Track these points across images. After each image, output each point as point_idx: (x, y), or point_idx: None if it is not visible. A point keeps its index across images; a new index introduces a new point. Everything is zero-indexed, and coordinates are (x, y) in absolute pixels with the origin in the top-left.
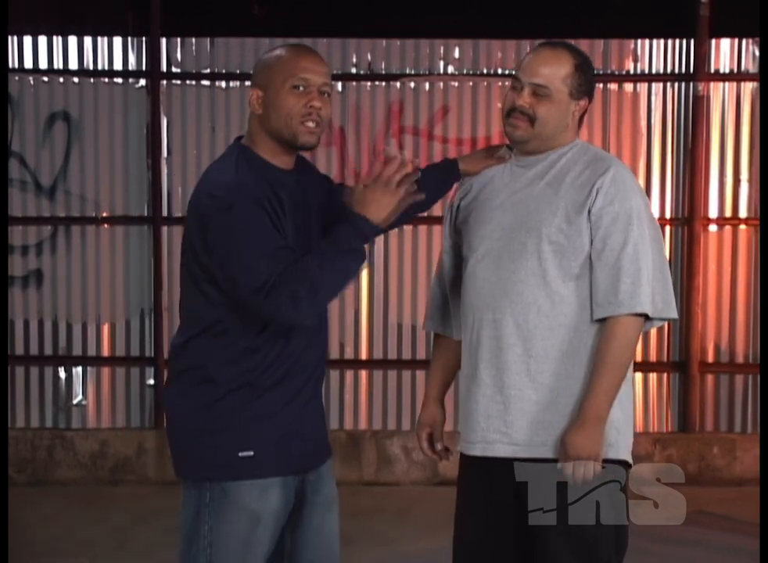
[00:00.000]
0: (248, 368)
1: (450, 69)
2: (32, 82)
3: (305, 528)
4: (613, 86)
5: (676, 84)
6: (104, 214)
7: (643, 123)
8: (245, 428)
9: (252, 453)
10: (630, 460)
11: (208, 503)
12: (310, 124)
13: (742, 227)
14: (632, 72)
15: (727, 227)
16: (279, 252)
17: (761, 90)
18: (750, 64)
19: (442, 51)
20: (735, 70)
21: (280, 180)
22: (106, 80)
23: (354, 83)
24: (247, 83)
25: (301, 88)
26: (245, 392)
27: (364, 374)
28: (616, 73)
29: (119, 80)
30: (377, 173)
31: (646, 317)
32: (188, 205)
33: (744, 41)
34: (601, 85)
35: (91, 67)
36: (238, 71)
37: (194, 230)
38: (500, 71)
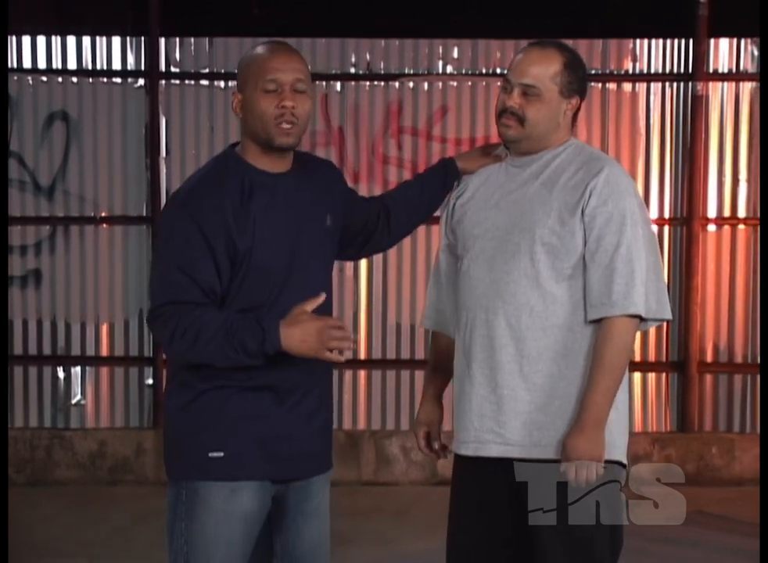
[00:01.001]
0: (220, 371)
1: (449, 69)
2: (31, 82)
3: (291, 534)
4: (612, 86)
5: (675, 84)
6: (103, 214)
7: (642, 123)
8: (219, 430)
9: (222, 454)
10: (624, 461)
11: (184, 502)
12: (285, 125)
13: (741, 226)
14: (631, 72)
15: (726, 227)
16: (188, 284)
17: (761, 90)
18: (749, 64)
19: (441, 51)
20: (734, 70)
21: (263, 185)
22: (105, 80)
23: (353, 83)
24: None
25: (272, 89)
26: (220, 395)
27: (362, 373)
28: (615, 72)
29: (117, 79)
30: (328, 323)
31: (640, 318)
32: None
33: (742, 41)
34: (600, 85)
35: (89, 67)
36: (236, 71)
37: None
38: (498, 71)
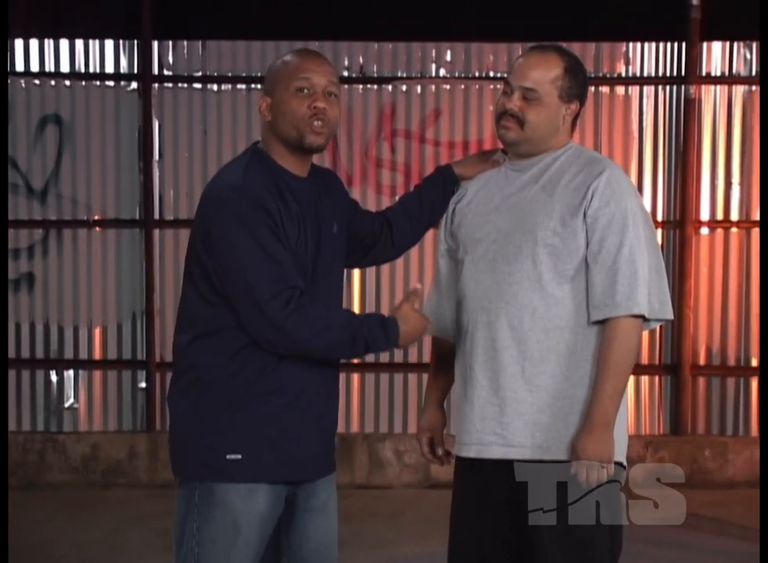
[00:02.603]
0: (240, 372)
1: (442, 72)
2: (23, 85)
3: (300, 532)
4: (605, 89)
5: (668, 87)
6: (96, 217)
7: (634, 126)
8: (235, 432)
9: (240, 456)
10: (624, 462)
11: (197, 503)
12: (316, 123)
13: (733, 230)
14: (623, 75)
15: (719, 230)
16: (285, 264)
17: (761, 91)
18: (741, 67)
19: (433, 54)
20: (726, 73)
21: (291, 185)
22: (98, 83)
23: (346, 86)
24: (239, 86)
25: (305, 91)
26: (237, 397)
27: (355, 377)
28: (608, 76)
29: (110, 83)
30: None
31: (643, 319)
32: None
33: (735, 45)
34: (593, 88)
35: (82, 70)
36: (230, 74)
37: (197, 229)
38: (491, 74)
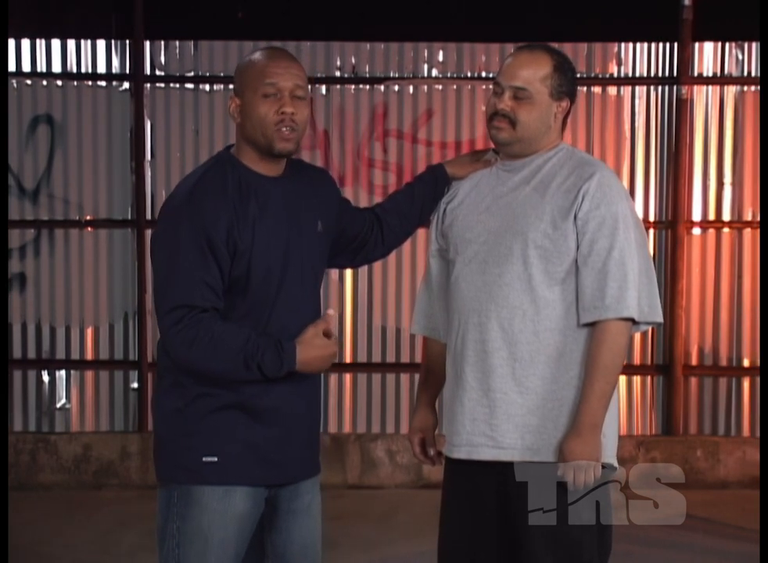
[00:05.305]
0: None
1: (434, 72)
2: (15, 85)
3: (283, 534)
4: (597, 89)
5: (660, 88)
6: (88, 217)
7: (627, 126)
8: (211, 434)
9: (216, 458)
10: (615, 464)
11: (176, 503)
12: (284, 130)
13: (725, 230)
14: (616, 75)
15: (711, 231)
16: (194, 283)
17: (761, 91)
18: (733, 68)
19: (426, 54)
20: (718, 74)
21: (258, 187)
22: (90, 83)
23: (338, 86)
24: (230, 86)
25: (272, 94)
26: (213, 400)
27: (348, 377)
28: (600, 76)
29: (102, 83)
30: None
31: (633, 321)
32: None
33: (727, 45)
34: (585, 88)
35: (74, 70)
36: (222, 74)
37: None
38: (483, 74)
